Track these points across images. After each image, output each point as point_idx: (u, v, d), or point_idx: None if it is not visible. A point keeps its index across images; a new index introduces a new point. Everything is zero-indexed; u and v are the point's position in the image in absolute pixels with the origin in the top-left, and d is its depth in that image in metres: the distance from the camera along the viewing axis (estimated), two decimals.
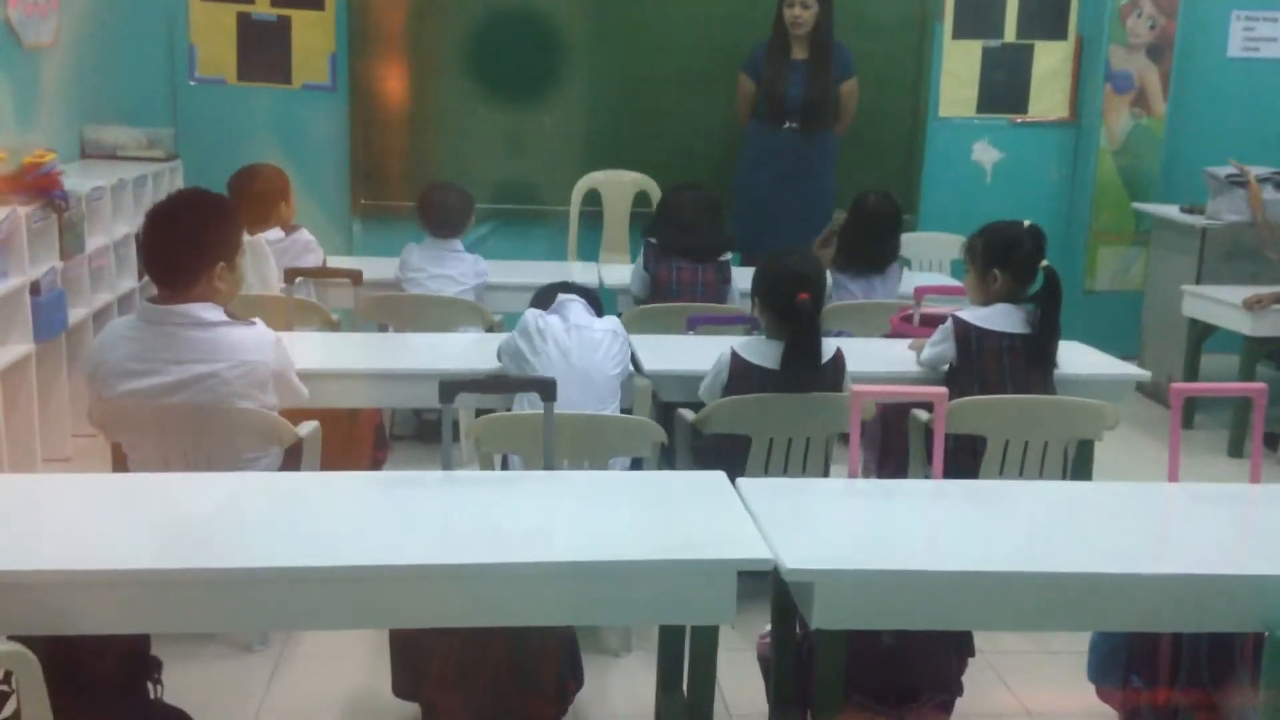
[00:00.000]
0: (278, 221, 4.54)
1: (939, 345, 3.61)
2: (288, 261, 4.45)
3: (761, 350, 3.35)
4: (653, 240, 4.62)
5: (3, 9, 4.65)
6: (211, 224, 2.99)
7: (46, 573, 2.06)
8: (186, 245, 2.93)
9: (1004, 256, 3.60)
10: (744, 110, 5.75)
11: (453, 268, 4.61)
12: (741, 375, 3.33)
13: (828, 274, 4.67)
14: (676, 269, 4.53)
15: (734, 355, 3.35)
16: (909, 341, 3.86)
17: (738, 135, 5.83)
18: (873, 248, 4.74)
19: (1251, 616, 2.29)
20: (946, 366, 3.62)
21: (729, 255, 4.61)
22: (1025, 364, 3.53)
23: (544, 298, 3.56)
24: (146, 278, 4.98)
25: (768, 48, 5.59)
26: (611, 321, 3.50)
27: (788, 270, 3.38)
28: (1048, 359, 3.56)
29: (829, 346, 3.39)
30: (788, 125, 5.58)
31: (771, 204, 5.54)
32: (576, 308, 3.46)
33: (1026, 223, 3.62)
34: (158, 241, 2.96)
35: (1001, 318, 3.57)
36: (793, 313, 3.28)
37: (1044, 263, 3.56)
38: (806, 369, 3.29)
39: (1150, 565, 2.32)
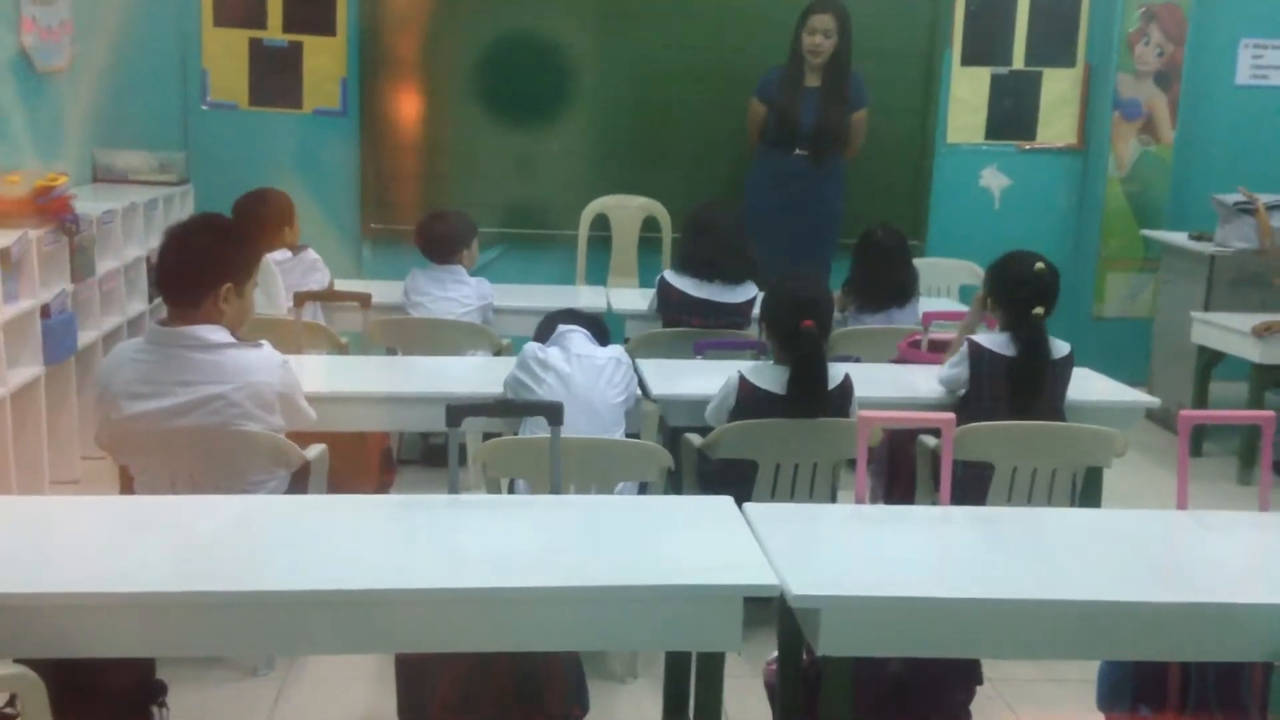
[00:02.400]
0: (282, 244, 4.56)
1: (956, 367, 3.63)
2: (294, 280, 4.48)
3: (768, 375, 3.35)
4: (668, 275, 4.54)
5: (17, 34, 4.69)
6: (222, 245, 3.02)
7: (53, 595, 2.07)
8: (194, 263, 2.95)
9: (1000, 292, 3.62)
10: (754, 134, 5.75)
11: (456, 291, 4.62)
12: (748, 400, 3.33)
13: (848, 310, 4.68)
14: (688, 316, 4.44)
15: (741, 380, 3.35)
16: (927, 367, 3.85)
17: (746, 160, 5.85)
18: (888, 282, 4.70)
19: (1260, 646, 2.28)
20: (962, 391, 3.61)
21: (750, 296, 4.47)
22: (1030, 390, 3.53)
23: (545, 329, 3.57)
24: (156, 301, 5.05)
25: (783, 73, 5.60)
26: (615, 350, 3.50)
27: (793, 296, 3.38)
28: (1047, 388, 3.55)
29: (837, 372, 3.39)
30: (797, 152, 5.60)
31: (779, 229, 5.54)
32: (577, 338, 3.45)
33: (1040, 265, 3.56)
34: (168, 257, 3.00)
35: (1009, 343, 3.57)
36: (798, 339, 3.28)
37: (1037, 310, 3.51)
38: (812, 394, 3.29)
39: (1159, 594, 2.31)
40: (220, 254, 2.99)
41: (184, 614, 2.11)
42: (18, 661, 2.02)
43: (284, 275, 4.44)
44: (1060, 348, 3.60)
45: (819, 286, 3.54)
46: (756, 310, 4.16)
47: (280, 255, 4.50)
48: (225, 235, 3.08)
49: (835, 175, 5.71)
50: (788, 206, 5.60)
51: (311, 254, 4.67)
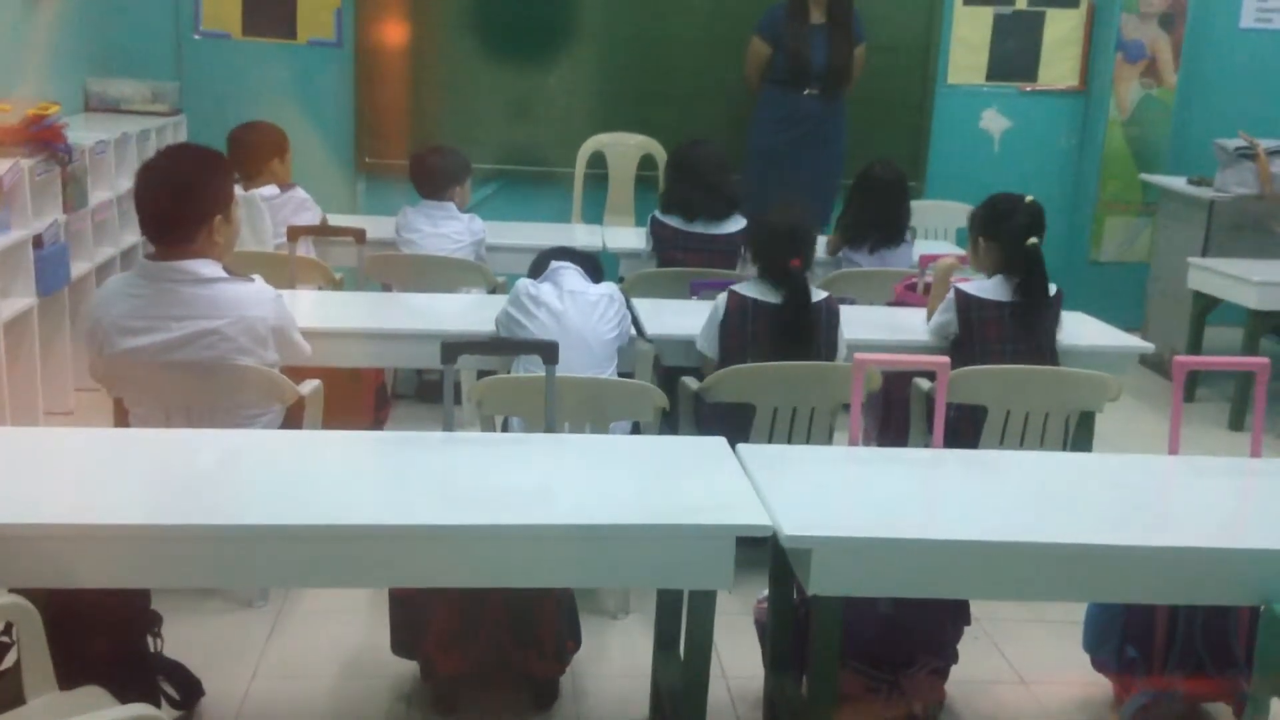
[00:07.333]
0: (272, 178, 4.52)
1: (944, 315, 3.62)
2: (284, 217, 4.44)
3: (756, 286, 3.40)
4: (658, 214, 4.58)
5: None
6: (205, 178, 2.95)
7: (47, 526, 2.07)
8: (182, 201, 2.89)
9: (993, 228, 3.61)
10: (754, 74, 5.67)
11: (448, 227, 4.60)
12: (737, 311, 3.37)
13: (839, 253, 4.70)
14: (682, 252, 4.48)
15: (730, 293, 3.40)
16: (922, 310, 3.85)
17: (745, 98, 5.79)
18: (885, 219, 4.68)
19: (1248, 590, 2.29)
20: (953, 335, 3.62)
21: (739, 227, 4.50)
22: (1024, 333, 3.53)
23: (538, 265, 3.56)
24: None
25: (787, 11, 5.52)
26: (607, 286, 3.49)
27: (780, 231, 3.42)
28: (1040, 330, 3.56)
29: (818, 294, 3.44)
30: (808, 91, 5.53)
31: (787, 169, 5.49)
32: (570, 274, 3.45)
33: (1028, 198, 3.59)
34: (153, 199, 2.92)
35: (999, 288, 3.57)
36: (783, 275, 3.35)
37: (1031, 240, 3.52)
38: (798, 324, 3.36)
39: (1148, 537, 2.32)
40: (206, 187, 2.92)
41: (178, 546, 2.11)
42: (13, 591, 2.04)
43: (272, 212, 4.40)
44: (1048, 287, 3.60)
45: (801, 216, 3.53)
46: None
47: (268, 192, 4.46)
48: (205, 167, 2.98)
49: (840, 114, 5.66)
50: (797, 146, 5.55)
51: (301, 193, 4.62)
